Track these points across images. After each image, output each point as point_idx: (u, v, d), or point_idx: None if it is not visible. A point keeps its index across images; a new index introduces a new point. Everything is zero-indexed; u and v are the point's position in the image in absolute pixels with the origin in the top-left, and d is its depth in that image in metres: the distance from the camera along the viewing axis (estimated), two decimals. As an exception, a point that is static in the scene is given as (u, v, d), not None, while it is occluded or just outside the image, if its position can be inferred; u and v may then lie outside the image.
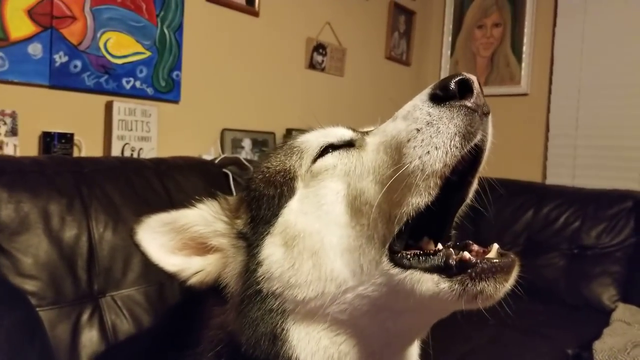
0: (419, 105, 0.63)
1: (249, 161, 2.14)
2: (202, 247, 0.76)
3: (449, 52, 3.84)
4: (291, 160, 0.74)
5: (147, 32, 2.13)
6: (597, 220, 2.66)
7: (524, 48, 3.49)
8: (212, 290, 0.74)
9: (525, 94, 3.49)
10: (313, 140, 0.75)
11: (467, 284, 0.57)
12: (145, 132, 2.12)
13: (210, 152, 2.37)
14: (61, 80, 1.88)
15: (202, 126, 2.43)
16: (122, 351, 1.31)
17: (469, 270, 0.58)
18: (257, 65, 2.69)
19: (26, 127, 1.81)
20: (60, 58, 1.87)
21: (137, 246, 0.74)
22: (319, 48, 3.01)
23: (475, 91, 0.61)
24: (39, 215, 1.36)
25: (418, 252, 0.61)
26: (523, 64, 3.49)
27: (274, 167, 0.75)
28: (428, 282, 0.59)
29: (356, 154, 0.69)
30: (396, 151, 0.63)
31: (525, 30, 3.48)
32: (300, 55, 2.96)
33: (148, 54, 2.14)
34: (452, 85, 0.60)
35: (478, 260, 0.58)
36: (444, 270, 0.59)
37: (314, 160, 0.72)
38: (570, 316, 2.30)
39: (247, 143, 2.54)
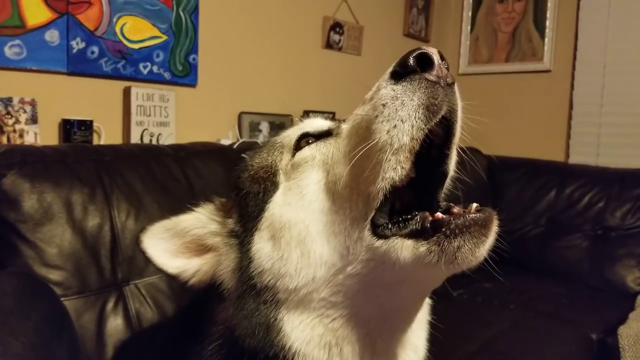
0: (383, 84, 0.64)
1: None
2: (201, 249, 0.79)
3: (468, 28, 3.72)
4: (273, 156, 0.76)
5: (162, 15, 2.09)
6: (622, 201, 2.60)
7: (547, 23, 3.37)
8: (216, 290, 0.76)
9: (547, 71, 3.39)
10: (292, 134, 0.77)
11: (444, 244, 0.57)
12: (164, 117, 2.11)
13: (228, 136, 2.36)
14: (79, 66, 1.87)
15: (219, 110, 2.41)
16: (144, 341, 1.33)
17: (443, 229, 0.57)
18: (273, 46, 2.64)
19: (46, 115, 1.81)
20: (77, 44, 1.85)
21: (143, 253, 0.78)
22: (336, 27, 2.95)
23: (435, 63, 0.60)
24: (61, 205, 1.36)
25: (398, 219, 0.62)
26: (546, 40, 3.38)
27: (258, 164, 0.78)
28: (408, 248, 0.58)
29: (333, 141, 0.71)
30: (366, 130, 0.63)
31: (549, 4, 3.36)
32: (316, 35, 2.90)
33: (164, 37, 2.11)
34: (411, 61, 0.61)
35: (451, 218, 0.58)
36: (422, 233, 0.59)
37: (293, 152, 0.74)
38: (594, 299, 2.26)
39: (264, 126, 2.51)
